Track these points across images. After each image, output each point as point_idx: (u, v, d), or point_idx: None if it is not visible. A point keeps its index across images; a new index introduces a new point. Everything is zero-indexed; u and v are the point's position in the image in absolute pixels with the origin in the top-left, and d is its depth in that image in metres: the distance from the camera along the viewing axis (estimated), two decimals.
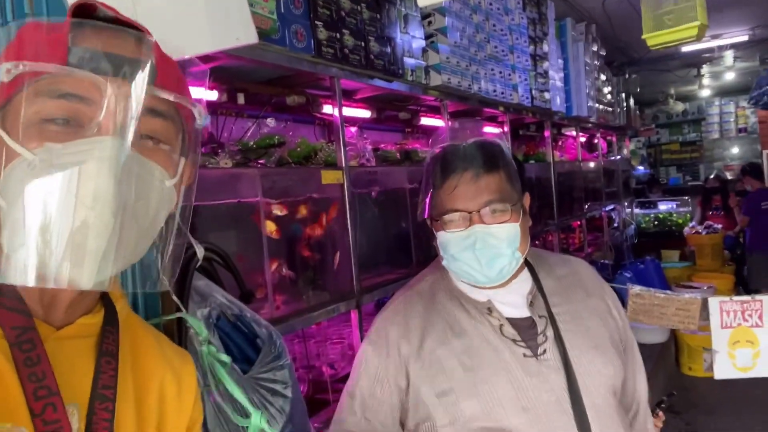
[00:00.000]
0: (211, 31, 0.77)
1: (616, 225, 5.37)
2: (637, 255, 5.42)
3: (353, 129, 2.34)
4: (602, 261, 4.44)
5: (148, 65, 0.57)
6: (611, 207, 5.07)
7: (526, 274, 1.10)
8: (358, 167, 1.96)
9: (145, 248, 0.61)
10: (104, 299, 0.67)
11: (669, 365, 4.28)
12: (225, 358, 0.87)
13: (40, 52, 0.54)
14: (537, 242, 3.64)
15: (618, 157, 5.72)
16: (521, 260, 1.05)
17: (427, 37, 2.26)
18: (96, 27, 0.56)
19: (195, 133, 0.66)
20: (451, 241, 1.03)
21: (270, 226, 1.54)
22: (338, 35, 1.71)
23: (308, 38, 1.60)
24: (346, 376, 1.89)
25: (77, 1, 0.57)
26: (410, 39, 2.12)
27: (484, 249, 1.00)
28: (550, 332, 1.02)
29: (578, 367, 0.99)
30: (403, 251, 2.14)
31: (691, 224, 6.15)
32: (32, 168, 0.52)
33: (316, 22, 1.63)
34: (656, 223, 6.52)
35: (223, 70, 1.56)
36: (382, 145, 2.41)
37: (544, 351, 1.01)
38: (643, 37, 3.10)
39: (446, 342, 1.03)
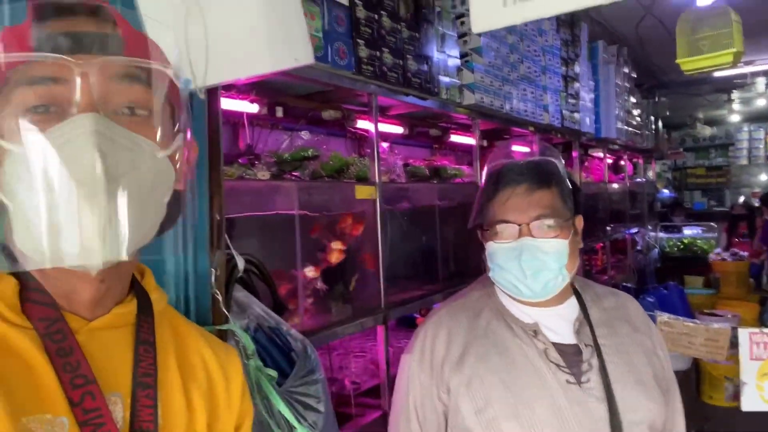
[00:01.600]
0: (272, 52, 0.79)
1: (639, 248, 5.31)
2: (660, 280, 5.33)
3: (385, 144, 2.36)
4: (624, 284, 4.39)
5: (114, 36, 0.57)
6: (635, 230, 5.01)
7: (573, 301, 1.10)
8: (391, 183, 1.98)
9: (152, 224, 0.60)
10: (136, 290, 0.67)
11: (690, 393, 4.20)
12: (272, 372, 0.89)
13: (6, 43, 0.54)
14: None
15: (644, 179, 5.66)
16: (568, 279, 1.05)
17: (462, 56, 2.27)
18: (57, 9, 0.56)
19: (183, 104, 0.65)
20: (498, 251, 1.05)
21: (336, 245, 1.56)
22: (378, 53, 1.73)
23: (350, 56, 1.62)
24: (369, 391, 1.91)
25: None
26: (446, 58, 2.14)
27: (531, 261, 1.01)
28: (595, 361, 1.02)
29: (621, 400, 0.99)
30: (430, 268, 2.14)
31: (716, 250, 6.04)
32: (23, 161, 0.52)
33: (358, 40, 1.65)
34: (681, 247, 6.42)
35: (265, 84, 1.59)
36: (411, 161, 2.43)
37: (588, 380, 1.00)
38: (678, 61, 3.08)
39: (488, 359, 1.04)
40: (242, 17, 0.75)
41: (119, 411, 0.59)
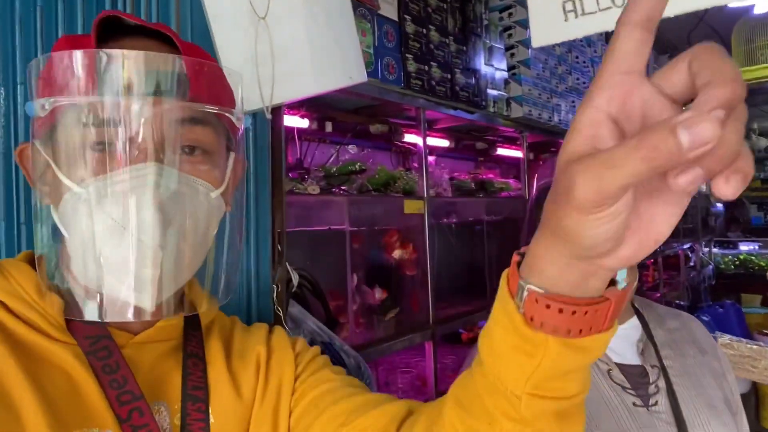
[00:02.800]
0: (329, 71, 0.80)
1: (692, 264, 5.10)
2: (715, 298, 5.10)
3: (431, 158, 2.35)
4: (677, 302, 4.22)
5: (180, 76, 0.55)
6: (688, 245, 4.82)
7: (635, 321, 1.07)
8: (438, 197, 1.97)
9: (200, 260, 0.61)
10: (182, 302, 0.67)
11: (749, 418, 3.98)
12: None
13: (70, 81, 0.53)
14: None
15: (695, 193, 5.45)
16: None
17: (510, 68, 2.25)
18: (123, 45, 0.57)
19: (237, 134, 0.65)
20: None
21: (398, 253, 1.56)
22: (426, 67, 1.73)
23: (399, 70, 1.63)
24: None
25: (102, 14, 0.58)
26: (494, 71, 2.12)
27: None
28: (662, 383, 0.98)
29: (691, 424, 0.94)
30: (477, 283, 2.11)
31: None
32: (81, 200, 0.53)
33: (407, 55, 1.66)
34: (736, 264, 6.13)
35: (314, 99, 1.61)
36: (456, 174, 2.41)
37: (656, 402, 0.96)
38: None
39: None
40: (303, 38, 0.76)
41: (165, 420, 0.59)
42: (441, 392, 1.70)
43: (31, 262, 0.60)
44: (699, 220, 5.24)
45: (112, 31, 0.59)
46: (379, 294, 1.69)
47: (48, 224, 0.57)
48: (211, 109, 0.57)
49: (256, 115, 0.83)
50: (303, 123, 1.66)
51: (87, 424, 0.54)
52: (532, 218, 1.10)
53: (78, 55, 0.53)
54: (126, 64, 0.54)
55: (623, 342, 1.03)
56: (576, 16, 0.80)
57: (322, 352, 1.12)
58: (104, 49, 0.54)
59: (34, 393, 0.52)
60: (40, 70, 0.55)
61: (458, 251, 2.07)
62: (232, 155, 0.63)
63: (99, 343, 0.57)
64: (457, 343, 2.51)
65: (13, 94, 0.79)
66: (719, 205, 7.71)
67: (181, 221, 0.55)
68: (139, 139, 0.53)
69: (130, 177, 0.52)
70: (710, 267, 5.70)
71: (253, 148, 0.91)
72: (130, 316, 0.54)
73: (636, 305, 1.07)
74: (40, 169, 0.57)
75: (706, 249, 5.80)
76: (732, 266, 6.15)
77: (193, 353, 0.64)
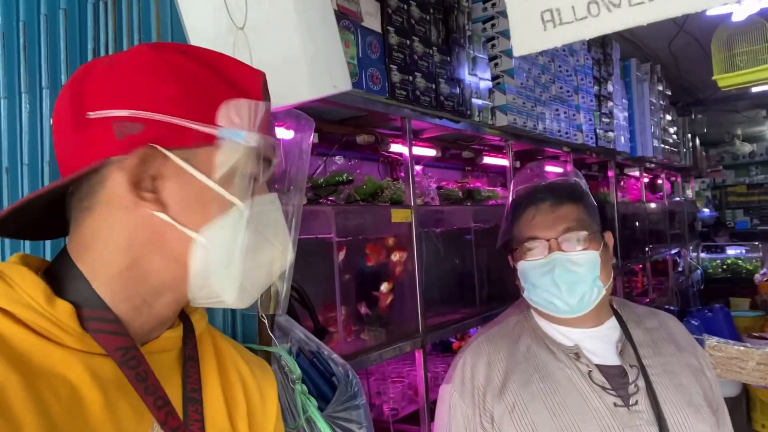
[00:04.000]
0: (312, 80, 0.81)
1: (681, 269, 5.14)
2: (704, 302, 5.14)
3: (418, 167, 2.37)
4: (667, 306, 4.25)
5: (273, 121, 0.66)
6: (676, 250, 4.87)
7: (613, 321, 1.08)
8: (426, 206, 1.98)
9: None
10: (182, 315, 0.71)
11: (740, 421, 3.99)
12: (313, 401, 0.89)
13: (260, 125, 0.64)
14: None
15: (683, 198, 5.51)
16: (603, 291, 1.04)
17: (494, 78, 2.28)
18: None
19: None
20: (530, 268, 1.05)
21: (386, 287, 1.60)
22: (411, 78, 1.75)
23: (383, 81, 1.64)
24: (408, 417, 1.87)
25: (262, 75, 0.68)
26: (478, 80, 2.15)
27: (564, 274, 1.01)
28: (641, 383, 0.99)
29: (672, 423, 0.96)
30: (467, 291, 2.12)
31: (762, 271, 5.81)
32: (241, 215, 0.63)
33: (391, 66, 1.68)
34: (724, 268, 6.20)
35: (302, 110, 1.62)
36: (443, 183, 2.43)
37: (636, 402, 0.97)
38: (714, 78, 3.02)
39: (530, 384, 1.02)
40: (284, 47, 0.77)
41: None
42: (432, 401, 1.69)
43: (29, 265, 0.59)
44: (686, 226, 5.30)
45: None
46: (364, 309, 1.70)
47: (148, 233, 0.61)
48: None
49: None
50: (288, 134, 1.67)
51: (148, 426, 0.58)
52: (507, 224, 1.12)
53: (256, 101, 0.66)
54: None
55: (602, 343, 1.05)
56: (554, 26, 0.82)
57: (311, 362, 1.12)
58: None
59: (35, 409, 0.51)
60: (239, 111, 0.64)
61: (447, 259, 2.07)
62: None
63: (129, 353, 0.59)
64: (449, 352, 2.51)
65: (40, 99, 0.80)
66: (705, 210, 7.80)
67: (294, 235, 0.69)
68: (279, 173, 0.67)
69: (272, 199, 0.69)
70: (698, 272, 5.75)
71: None
72: (242, 306, 0.66)
73: (614, 306, 1.09)
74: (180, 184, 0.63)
75: (694, 254, 5.85)
76: (720, 270, 6.21)
77: (190, 356, 0.68)
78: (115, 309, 0.60)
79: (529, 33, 0.83)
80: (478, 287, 2.16)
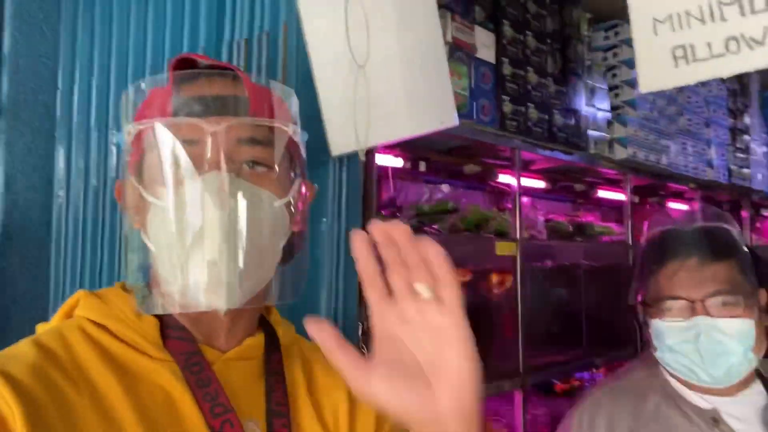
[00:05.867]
0: (420, 115, 0.82)
1: None
2: None
3: (525, 199, 2.30)
4: None
5: (241, 99, 0.62)
6: None
7: (759, 386, 0.96)
8: (532, 240, 1.91)
9: (268, 269, 0.65)
10: (264, 325, 0.72)
11: None
12: None
13: (150, 110, 0.62)
14: None
15: None
16: (755, 363, 0.92)
17: (614, 108, 2.17)
18: (191, 77, 0.63)
19: (302, 154, 0.70)
20: (668, 331, 0.94)
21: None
22: (523, 108, 1.72)
23: (493, 111, 1.63)
24: None
25: (178, 56, 0.66)
26: (595, 111, 2.05)
27: (710, 344, 0.89)
28: None
29: None
30: (574, 332, 2.00)
31: None
32: (161, 211, 0.60)
33: (503, 97, 1.66)
34: None
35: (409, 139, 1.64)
36: (552, 216, 2.33)
37: None
38: None
39: None
40: (398, 83, 0.79)
41: None
42: None
43: (125, 289, 0.66)
44: None
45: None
46: None
47: (138, 248, 0.64)
48: (269, 122, 0.64)
49: (350, 156, 0.87)
50: (397, 162, 1.70)
51: None
52: (641, 274, 1.03)
53: (151, 84, 0.64)
54: (196, 86, 0.62)
55: (747, 408, 0.93)
56: (687, 63, 0.76)
57: None
58: (178, 73, 0.63)
59: (135, 410, 0.56)
60: (127, 103, 0.65)
61: (553, 297, 1.98)
62: (298, 181, 0.69)
63: (192, 358, 0.62)
64: (551, 394, 2.38)
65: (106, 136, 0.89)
66: None
67: (245, 223, 0.60)
68: (207, 154, 0.60)
69: (198, 187, 0.59)
70: None
71: (346, 186, 0.95)
72: (205, 305, 0.60)
73: (760, 369, 0.96)
74: (132, 197, 0.65)
75: None
76: None
77: (274, 371, 0.68)
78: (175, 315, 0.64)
79: (658, 69, 0.78)
80: (586, 328, 2.03)
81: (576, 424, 1.01)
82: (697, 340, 0.89)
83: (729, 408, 0.92)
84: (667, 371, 0.99)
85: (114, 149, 0.93)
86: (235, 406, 0.61)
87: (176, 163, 0.60)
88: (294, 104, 0.69)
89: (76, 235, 1.04)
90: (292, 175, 0.69)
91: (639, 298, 1.02)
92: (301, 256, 0.70)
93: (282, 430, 0.63)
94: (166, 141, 0.61)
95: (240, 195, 0.60)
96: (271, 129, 0.65)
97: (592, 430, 0.98)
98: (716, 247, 0.94)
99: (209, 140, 0.60)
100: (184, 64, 0.67)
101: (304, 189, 0.70)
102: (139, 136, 0.64)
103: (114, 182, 0.98)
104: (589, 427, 0.99)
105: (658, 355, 0.98)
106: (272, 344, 0.71)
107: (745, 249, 0.96)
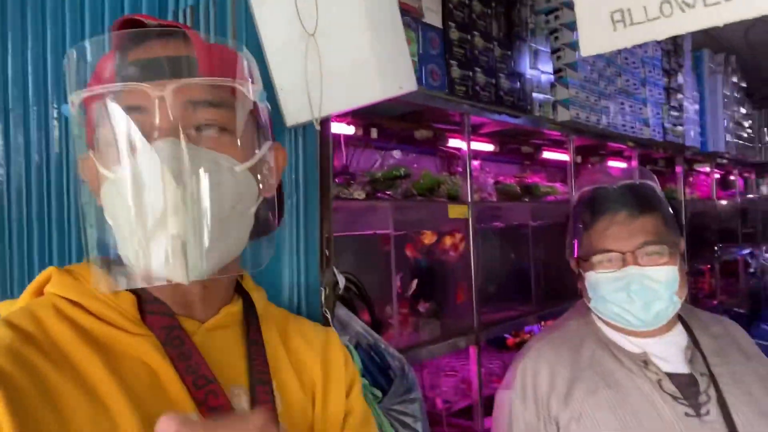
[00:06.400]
0: (379, 82, 0.82)
1: (752, 270, 4.86)
2: None
3: (475, 162, 2.35)
4: (736, 309, 4.04)
5: (187, 58, 0.58)
6: (748, 251, 4.61)
7: (680, 327, 1.05)
8: (482, 202, 1.97)
9: (239, 234, 0.62)
10: (240, 291, 0.72)
11: None
12: (377, 392, 0.91)
13: (94, 76, 0.58)
14: None
15: (757, 195, 5.20)
16: (679, 305, 1.00)
17: (557, 71, 2.23)
18: (135, 38, 0.59)
19: (265, 115, 0.66)
20: (601, 281, 1.01)
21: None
22: (471, 73, 1.74)
23: (443, 77, 1.64)
24: (461, 411, 1.89)
25: (121, 18, 0.62)
26: (539, 74, 2.11)
27: (641, 291, 0.97)
28: (712, 392, 0.96)
29: None
30: (524, 288, 2.10)
31: None
32: (114, 184, 0.57)
33: (451, 62, 1.67)
34: None
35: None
36: (501, 178, 2.40)
37: (707, 412, 0.94)
38: None
39: (598, 393, 0.99)
40: (352, 51, 0.79)
41: (245, 402, 0.63)
42: (485, 397, 1.69)
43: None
44: (760, 224, 5.00)
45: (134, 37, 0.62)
46: (423, 307, 1.71)
47: (96, 223, 0.62)
48: (220, 81, 0.60)
49: (305, 126, 0.87)
50: (349, 130, 1.70)
51: (170, 409, 0.57)
52: (575, 230, 1.09)
53: (92, 49, 0.59)
54: (140, 47, 0.58)
55: (672, 348, 1.02)
56: (625, 26, 0.80)
57: (368, 355, 1.15)
58: (117, 32, 0.59)
59: (119, 387, 0.56)
60: (68, 70, 0.60)
61: (503, 256, 2.06)
62: (268, 143, 0.65)
63: (172, 332, 0.61)
64: (503, 348, 2.49)
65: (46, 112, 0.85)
66: None
67: (204, 190, 0.57)
68: (156, 120, 0.56)
69: (149, 156, 0.55)
70: None
71: (302, 156, 0.95)
72: (168, 277, 0.57)
73: (679, 312, 1.05)
74: (92, 171, 0.62)
75: None
76: None
77: (254, 340, 0.68)
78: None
79: (597, 33, 0.81)
80: (535, 284, 2.13)
81: (521, 373, 1.08)
82: (628, 288, 0.97)
83: (655, 349, 1.00)
84: (601, 319, 1.07)
85: (56, 123, 0.89)
86: (218, 374, 0.61)
87: (123, 132, 0.56)
88: (253, 63, 0.65)
89: (20, 214, 1.00)
90: (256, 138, 0.65)
91: (574, 253, 1.09)
92: (272, 225, 0.68)
93: (265, 397, 0.64)
94: (111, 109, 0.57)
95: (194, 161, 0.56)
96: (226, 89, 0.61)
97: (536, 378, 1.05)
98: (642, 201, 1.01)
99: (156, 105, 0.56)
100: (130, 26, 0.62)
101: (272, 152, 0.67)
102: (86, 107, 0.60)
103: (57, 157, 0.95)
104: (533, 375, 1.06)
105: (592, 305, 1.05)
106: (250, 311, 0.71)
107: (667, 202, 1.04)
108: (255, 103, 0.64)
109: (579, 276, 1.10)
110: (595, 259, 1.01)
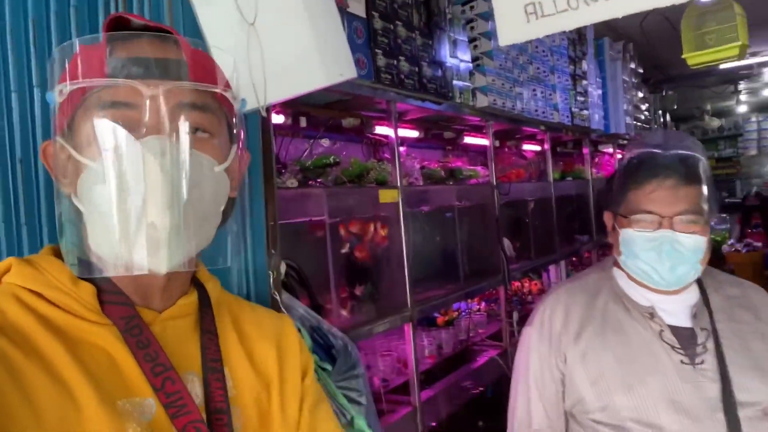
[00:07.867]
0: (320, 70, 0.85)
1: None
2: None
3: (402, 148, 2.43)
4: None
5: (179, 62, 0.62)
6: None
7: (693, 286, 1.14)
8: (411, 186, 2.04)
9: (210, 231, 0.66)
10: (195, 282, 0.75)
11: None
12: (327, 366, 0.95)
13: (84, 70, 0.60)
14: (574, 258, 3.66)
15: None
16: (700, 272, 1.09)
17: (474, 59, 2.34)
18: (128, 37, 0.62)
19: (239, 120, 0.71)
20: (637, 239, 1.07)
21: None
22: (395, 62, 1.80)
23: (369, 65, 1.69)
24: (398, 388, 1.97)
25: (112, 15, 0.66)
26: (459, 62, 2.20)
27: (671, 253, 1.04)
28: (710, 345, 1.06)
29: (736, 382, 1.02)
30: (452, 267, 2.20)
31: (729, 242, 6.05)
32: (96, 175, 0.59)
33: (376, 51, 1.72)
34: None
35: None
36: (426, 163, 2.49)
37: (702, 361, 1.05)
38: (684, 56, 3.12)
39: (604, 335, 1.11)
40: (292, 40, 0.82)
41: (198, 388, 0.66)
42: (421, 373, 1.78)
43: (57, 255, 0.66)
44: None
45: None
46: (359, 291, 1.77)
47: (69, 212, 0.63)
48: (208, 87, 0.64)
49: (247, 115, 0.89)
50: (279, 119, 1.71)
51: (128, 394, 0.61)
52: (620, 187, 1.13)
53: (92, 45, 0.61)
54: (134, 45, 0.61)
55: (679, 305, 1.11)
56: (536, 18, 0.88)
57: (312, 336, 1.19)
58: (113, 32, 0.61)
59: (81, 371, 0.58)
60: (58, 62, 0.62)
61: (432, 237, 2.15)
62: (235, 147, 0.69)
63: (132, 322, 0.64)
64: (433, 326, 2.60)
65: (30, 97, 0.82)
66: None
67: (186, 188, 0.60)
68: (145, 117, 0.59)
69: (137, 150, 0.58)
70: None
71: (246, 145, 0.96)
72: (145, 270, 0.59)
73: (700, 276, 1.12)
74: (61, 159, 0.63)
75: None
76: None
77: (207, 329, 0.71)
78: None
79: (512, 25, 0.89)
80: (461, 264, 2.24)
81: (540, 312, 1.21)
82: (660, 248, 1.04)
83: (664, 305, 1.10)
84: (618, 273, 1.17)
85: (39, 112, 0.85)
86: (174, 361, 0.64)
87: (116, 125, 0.59)
88: (228, 68, 0.69)
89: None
90: (231, 142, 0.69)
91: (617, 209, 1.14)
92: (232, 222, 0.72)
93: (217, 384, 0.67)
94: (105, 102, 0.60)
95: (181, 159, 0.60)
96: (210, 94, 0.65)
97: (552, 317, 1.18)
98: (690, 172, 1.06)
99: (148, 103, 0.59)
100: (117, 22, 0.65)
101: (239, 155, 0.70)
102: (71, 97, 0.61)
103: (22, 142, 0.90)
104: (550, 314, 1.19)
105: (621, 259, 1.13)
106: (204, 301, 0.73)
107: (712, 183, 1.10)
108: (232, 108, 0.69)
109: (613, 230, 1.16)
110: (635, 217, 1.07)
